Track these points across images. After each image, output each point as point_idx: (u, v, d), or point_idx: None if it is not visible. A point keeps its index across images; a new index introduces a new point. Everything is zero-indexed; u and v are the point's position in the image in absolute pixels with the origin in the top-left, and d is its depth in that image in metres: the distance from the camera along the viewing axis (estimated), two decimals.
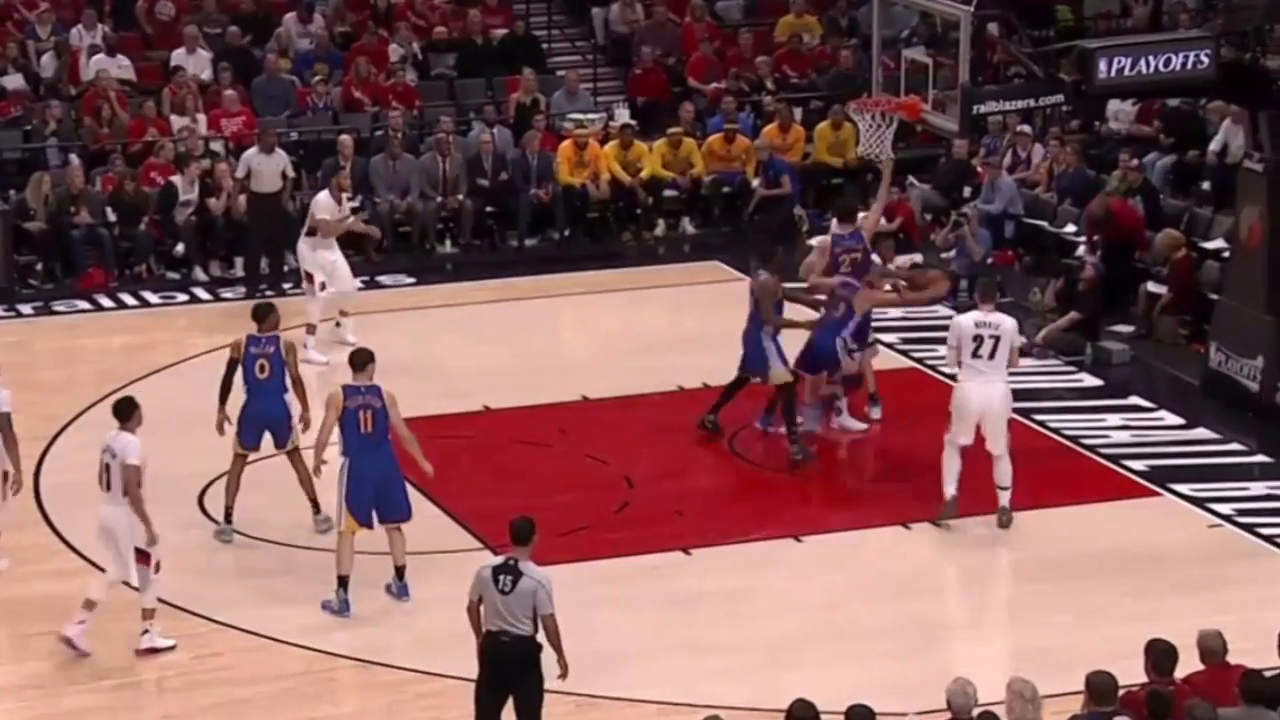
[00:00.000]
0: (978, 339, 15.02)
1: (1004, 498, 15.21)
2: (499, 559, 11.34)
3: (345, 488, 13.70)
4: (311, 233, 19.10)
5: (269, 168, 20.62)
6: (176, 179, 21.55)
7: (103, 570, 13.33)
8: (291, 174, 21.00)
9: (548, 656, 11.26)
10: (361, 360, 13.99)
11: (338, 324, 19.46)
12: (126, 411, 13.36)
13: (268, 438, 15.07)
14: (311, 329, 19.01)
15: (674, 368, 18.36)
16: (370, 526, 13.91)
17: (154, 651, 13.14)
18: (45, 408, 16.96)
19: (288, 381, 14.92)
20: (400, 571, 14.05)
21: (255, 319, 15.09)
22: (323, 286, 19.15)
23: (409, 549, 14.12)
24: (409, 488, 14.01)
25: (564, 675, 11.31)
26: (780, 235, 22.74)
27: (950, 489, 15.21)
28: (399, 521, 13.91)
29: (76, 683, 12.94)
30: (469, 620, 11.38)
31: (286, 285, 20.53)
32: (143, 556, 13.04)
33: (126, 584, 13.20)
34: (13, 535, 15.12)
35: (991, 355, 14.99)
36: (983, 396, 15.02)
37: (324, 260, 19.16)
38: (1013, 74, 17.21)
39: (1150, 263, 19.82)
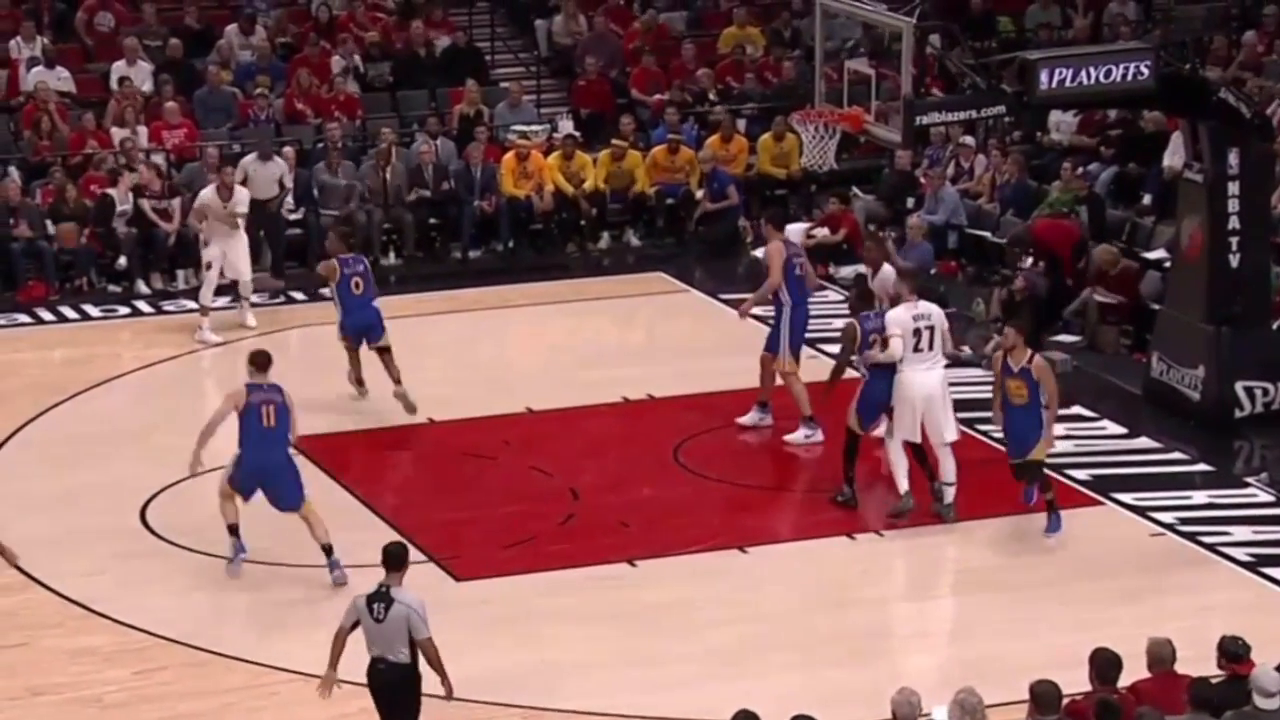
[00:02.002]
0: (917, 332, 15.39)
1: (949, 494, 15.30)
2: (373, 587, 11.24)
3: (232, 471, 14.37)
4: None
5: (264, 175, 20.74)
6: (113, 190, 21.44)
7: None
8: (289, 184, 21.19)
9: (430, 682, 11.21)
10: (264, 361, 14.60)
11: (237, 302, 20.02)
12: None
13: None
14: (204, 311, 19.73)
15: (619, 379, 18.35)
16: (246, 499, 14.37)
17: None
18: None
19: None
20: (328, 550, 14.31)
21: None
22: (208, 265, 19.72)
23: (352, 562, 14.06)
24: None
25: (449, 696, 11.26)
26: (724, 247, 22.82)
27: (904, 484, 15.28)
28: (291, 511, 14.36)
29: (17, 698, 12.83)
30: (332, 647, 11.30)
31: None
32: None
33: None
34: None
35: (930, 345, 15.41)
36: (925, 383, 15.36)
37: (216, 246, 19.71)
38: (966, 86, 17.26)
39: (1091, 275, 19.90)
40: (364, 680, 11.34)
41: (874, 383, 15.48)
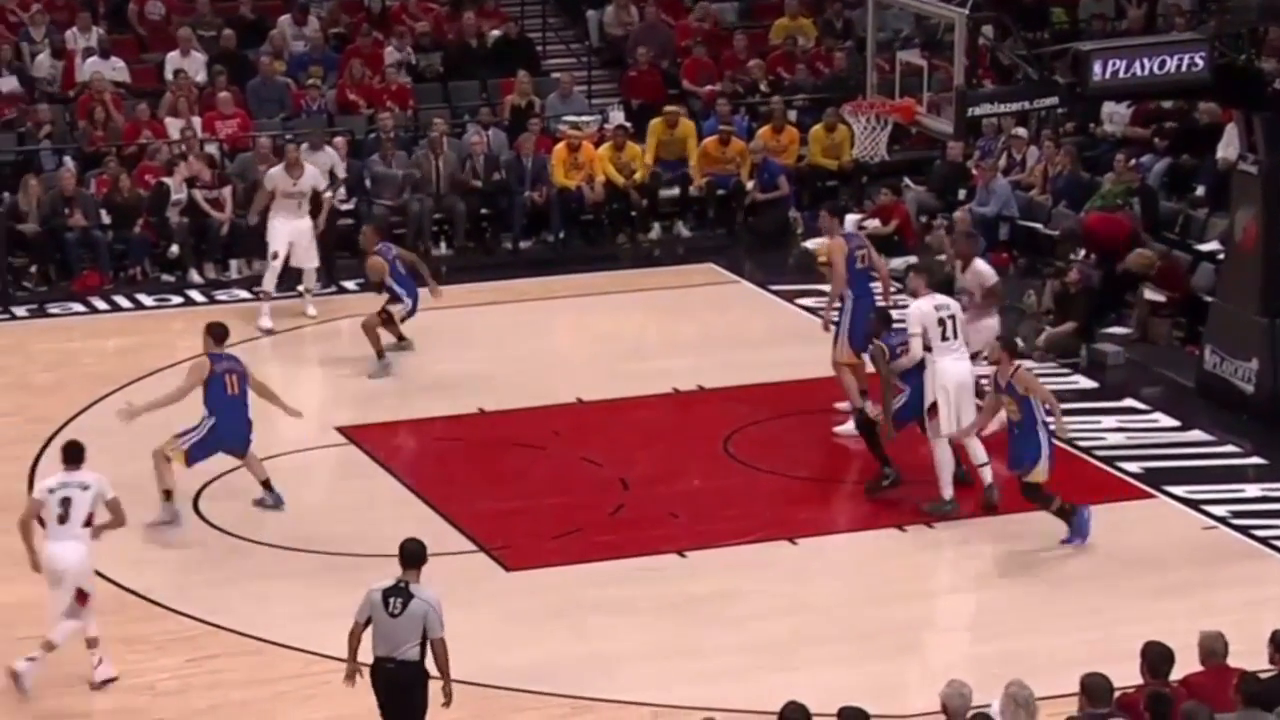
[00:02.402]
0: (941, 322, 15.46)
1: (987, 474, 15.35)
2: (388, 582, 11.17)
3: (199, 435, 15.12)
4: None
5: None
6: (168, 180, 21.55)
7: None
8: (341, 174, 21.21)
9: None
10: (222, 333, 15.64)
11: (300, 293, 20.11)
12: (78, 454, 13.18)
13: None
14: (264, 296, 19.80)
15: (669, 370, 18.36)
16: (200, 461, 15.24)
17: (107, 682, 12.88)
18: (38, 410, 16.95)
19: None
20: (266, 484, 15.30)
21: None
22: (275, 255, 19.78)
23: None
24: None
25: (448, 703, 11.15)
26: (774, 238, 22.79)
27: (949, 489, 15.26)
28: (242, 453, 15.40)
29: (72, 685, 12.91)
30: (349, 642, 11.27)
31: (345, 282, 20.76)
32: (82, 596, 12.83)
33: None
34: (6, 539, 15.10)
35: (955, 334, 15.51)
36: (959, 371, 15.44)
37: (281, 231, 19.75)
38: (1019, 77, 17.20)
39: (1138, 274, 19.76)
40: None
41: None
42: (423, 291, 18.68)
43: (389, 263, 18.43)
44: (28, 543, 12.89)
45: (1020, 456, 14.78)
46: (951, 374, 15.38)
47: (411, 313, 18.51)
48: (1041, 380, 17.96)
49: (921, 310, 15.51)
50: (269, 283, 19.94)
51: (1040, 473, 14.66)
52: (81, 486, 12.81)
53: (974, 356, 15.92)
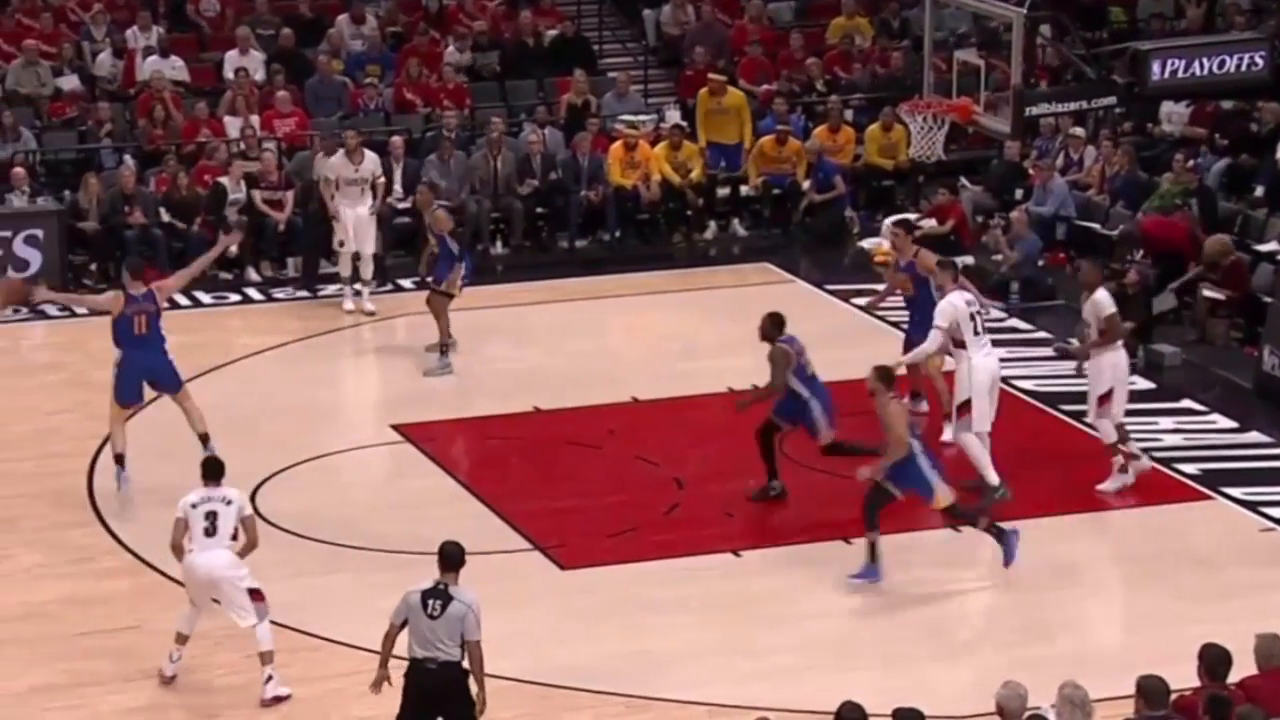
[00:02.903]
0: (972, 316, 15.54)
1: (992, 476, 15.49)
2: (427, 583, 11.12)
3: (115, 378, 15.66)
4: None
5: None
6: (224, 179, 21.68)
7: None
8: (380, 175, 21.05)
9: None
10: (137, 268, 16.31)
11: (357, 291, 20.24)
12: (218, 470, 13.08)
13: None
14: (343, 282, 20.18)
15: (724, 369, 18.35)
16: (139, 401, 15.86)
17: (278, 700, 12.78)
18: (98, 407, 17.02)
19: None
20: (204, 438, 15.68)
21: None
22: (341, 243, 20.11)
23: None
24: None
25: (481, 710, 11.05)
26: (830, 237, 22.75)
27: (993, 475, 15.31)
28: (173, 391, 15.88)
29: (130, 680, 13.01)
30: (382, 645, 11.23)
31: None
32: (256, 594, 12.83)
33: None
34: (66, 534, 15.25)
35: (982, 329, 15.63)
36: (993, 367, 15.58)
37: (347, 217, 20.02)
38: (1069, 77, 17.14)
39: (1204, 265, 19.66)
40: (466, 666, 11.34)
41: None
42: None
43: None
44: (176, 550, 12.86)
45: (918, 490, 14.25)
46: (986, 371, 15.41)
47: (468, 276, 18.61)
48: None
49: (952, 304, 15.47)
50: (344, 270, 20.22)
51: (942, 498, 14.19)
52: (225, 501, 12.77)
53: (1103, 398, 15.46)
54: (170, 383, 15.97)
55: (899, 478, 14.10)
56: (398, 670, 11.25)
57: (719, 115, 23.25)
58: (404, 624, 11.11)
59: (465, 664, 11.03)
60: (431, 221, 18.69)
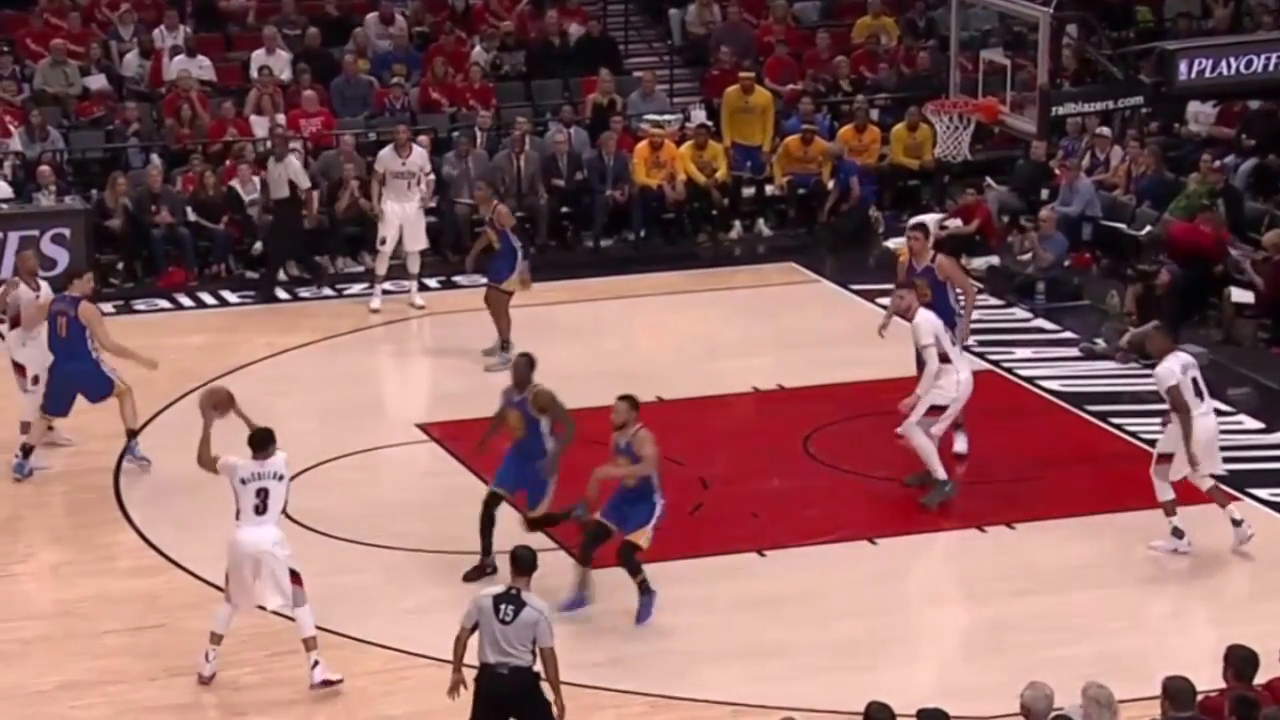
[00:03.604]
0: (948, 328, 15.51)
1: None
2: (499, 588, 11.13)
3: (44, 390, 16.01)
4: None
5: (279, 175, 20.76)
6: (234, 182, 21.73)
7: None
8: (305, 183, 20.97)
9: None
10: (75, 272, 16.64)
11: (404, 289, 20.39)
12: (268, 440, 13.06)
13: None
14: (375, 280, 20.23)
15: (749, 369, 18.35)
16: (65, 415, 16.10)
17: (329, 684, 12.74)
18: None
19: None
20: (131, 433, 16.11)
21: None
22: (383, 241, 20.12)
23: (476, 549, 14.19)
24: None
25: (560, 716, 11.02)
26: (855, 237, 22.74)
27: (941, 471, 15.36)
28: (104, 399, 16.03)
29: (155, 678, 13.05)
30: (454, 649, 11.18)
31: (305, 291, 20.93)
32: (295, 577, 12.83)
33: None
34: (93, 532, 15.30)
35: (955, 340, 15.60)
36: (971, 381, 15.55)
37: (393, 213, 20.04)
38: (1098, 74, 17.09)
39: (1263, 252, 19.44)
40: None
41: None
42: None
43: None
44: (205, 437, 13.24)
45: (628, 518, 13.79)
46: (969, 384, 15.39)
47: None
48: (1122, 380, 17.93)
49: (929, 320, 15.35)
50: (380, 267, 20.26)
51: (643, 537, 13.70)
52: (276, 477, 12.78)
53: (1215, 480, 14.76)
54: (95, 388, 16.06)
55: (624, 514, 13.66)
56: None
57: (745, 114, 23.25)
58: (474, 627, 11.07)
59: (537, 668, 11.01)
60: (494, 217, 18.66)
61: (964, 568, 14.79)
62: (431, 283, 21.02)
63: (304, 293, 21.17)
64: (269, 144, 22.20)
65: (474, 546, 14.44)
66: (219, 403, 13.55)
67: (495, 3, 25.68)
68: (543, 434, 14.17)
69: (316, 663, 12.75)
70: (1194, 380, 14.55)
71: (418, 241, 20.34)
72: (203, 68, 23.77)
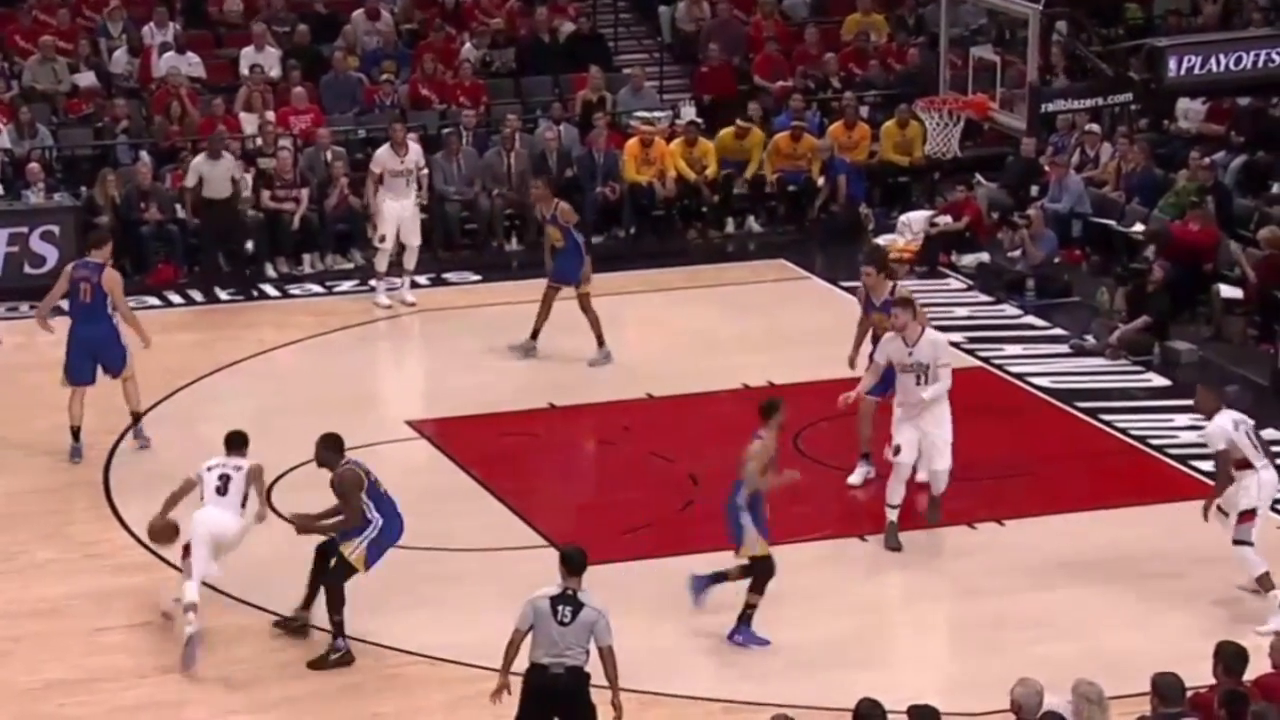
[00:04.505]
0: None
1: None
2: (554, 589, 11.09)
3: (67, 349, 16.21)
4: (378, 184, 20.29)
5: (219, 173, 20.74)
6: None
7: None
8: (240, 176, 21.04)
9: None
10: (98, 239, 16.76)
11: (393, 286, 20.40)
12: (242, 442, 13.68)
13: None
14: (378, 276, 20.28)
15: (739, 366, 18.36)
16: (90, 383, 16.18)
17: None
18: (115, 401, 17.07)
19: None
20: (135, 416, 16.43)
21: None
22: (382, 239, 20.15)
23: (472, 545, 14.20)
24: None
25: (619, 715, 11.02)
26: (845, 234, 22.74)
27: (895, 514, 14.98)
28: (116, 375, 16.30)
29: (146, 676, 13.04)
30: (506, 653, 11.12)
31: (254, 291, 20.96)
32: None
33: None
34: (82, 529, 15.29)
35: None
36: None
37: (390, 211, 20.06)
38: (1086, 71, 17.09)
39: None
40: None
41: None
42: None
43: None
44: (166, 507, 13.53)
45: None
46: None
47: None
48: (1112, 377, 17.95)
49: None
50: (380, 264, 20.32)
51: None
52: (237, 468, 13.40)
53: (1245, 515, 13.77)
54: (112, 360, 16.32)
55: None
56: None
57: (736, 154, 23.18)
58: (530, 630, 11.02)
59: (588, 668, 11.01)
60: (558, 214, 18.63)
61: (954, 565, 14.79)
62: (422, 279, 21.00)
63: (293, 289, 21.16)
64: (257, 141, 22.20)
65: (464, 544, 14.45)
66: (158, 536, 13.83)
67: (485, 0, 25.67)
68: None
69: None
70: (1247, 434, 13.83)
71: (414, 238, 20.36)
72: (192, 65, 23.73)
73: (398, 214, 20.18)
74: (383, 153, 20.37)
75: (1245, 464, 13.68)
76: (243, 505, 13.36)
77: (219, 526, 13.25)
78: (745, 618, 13.42)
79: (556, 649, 10.96)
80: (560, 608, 10.98)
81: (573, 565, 11.17)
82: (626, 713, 11.42)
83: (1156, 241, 19.93)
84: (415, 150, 20.51)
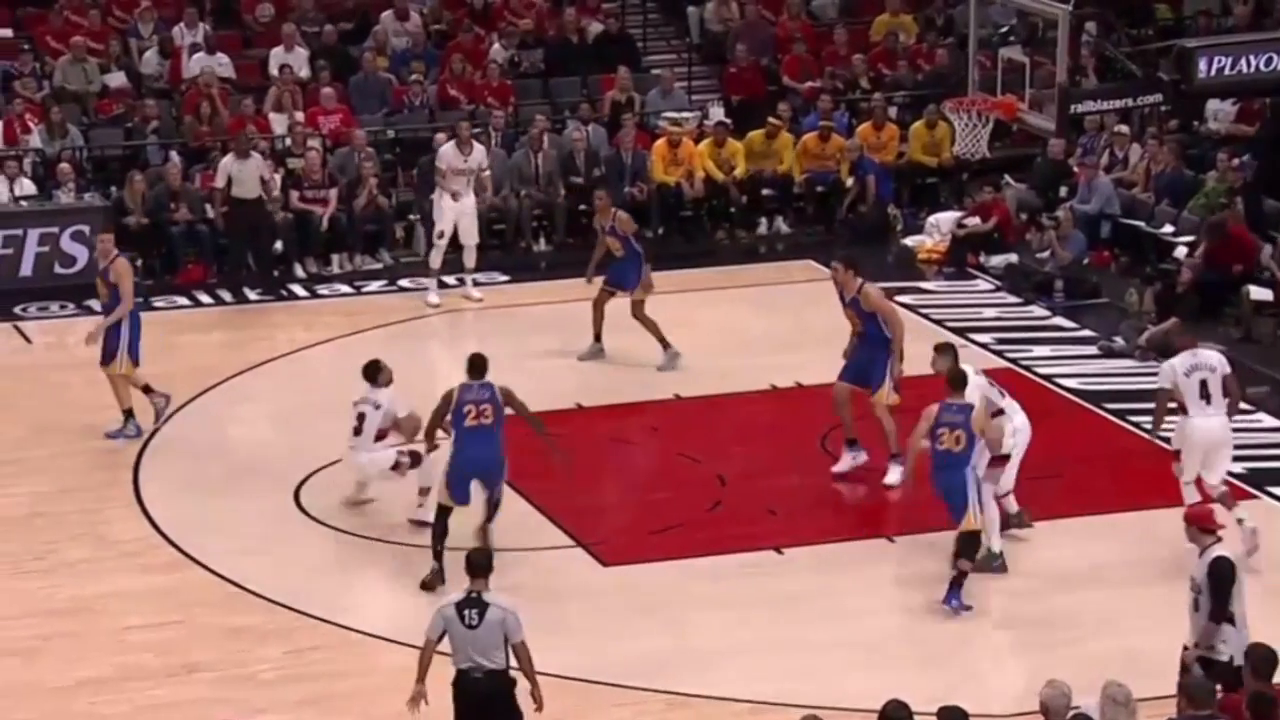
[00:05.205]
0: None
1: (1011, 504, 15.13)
2: (459, 595, 11.02)
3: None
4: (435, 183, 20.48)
5: (248, 173, 20.75)
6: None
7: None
8: (269, 176, 21.07)
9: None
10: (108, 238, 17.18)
11: (460, 280, 20.51)
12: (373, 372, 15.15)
13: None
14: (430, 274, 20.42)
15: (767, 366, 18.34)
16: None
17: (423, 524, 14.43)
18: (144, 402, 17.13)
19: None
20: (127, 413, 16.67)
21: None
22: (440, 235, 20.25)
23: (499, 544, 14.20)
24: None
25: (539, 707, 11.00)
26: (873, 234, 22.71)
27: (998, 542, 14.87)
28: (101, 366, 16.58)
29: (174, 674, 13.08)
30: (420, 660, 11.09)
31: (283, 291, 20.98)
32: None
33: None
34: (112, 528, 15.34)
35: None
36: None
37: (449, 209, 20.18)
38: (1118, 73, 17.05)
39: None
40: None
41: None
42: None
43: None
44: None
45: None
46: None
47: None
48: (1140, 378, 17.91)
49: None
50: (435, 261, 20.40)
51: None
52: (374, 405, 14.82)
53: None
54: (106, 349, 16.67)
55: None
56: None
57: (766, 157, 23.17)
58: (441, 637, 11.02)
59: (514, 672, 10.96)
60: (616, 224, 18.65)
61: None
62: (450, 280, 21.02)
63: (322, 289, 21.20)
64: (287, 142, 22.24)
65: (494, 544, 14.44)
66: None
67: (515, 0, 25.68)
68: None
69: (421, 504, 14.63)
70: (1202, 382, 14.44)
71: (471, 237, 20.44)
72: (222, 65, 23.79)
73: (457, 212, 20.26)
74: (447, 150, 20.43)
75: (1182, 409, 14.41)
76: (378, 439, 14.96)
77: (360, 471, 15.19)
78: (957, 584, 13.77)
79: (473, 654, 10.87)
80: (466, 612, 10.88)
81: (475, 567, 11.05)
82: (654, 714, 11.48)
83: (1211, 235, 19.78)
84: (479, 150, 20.60)
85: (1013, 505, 14.87)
